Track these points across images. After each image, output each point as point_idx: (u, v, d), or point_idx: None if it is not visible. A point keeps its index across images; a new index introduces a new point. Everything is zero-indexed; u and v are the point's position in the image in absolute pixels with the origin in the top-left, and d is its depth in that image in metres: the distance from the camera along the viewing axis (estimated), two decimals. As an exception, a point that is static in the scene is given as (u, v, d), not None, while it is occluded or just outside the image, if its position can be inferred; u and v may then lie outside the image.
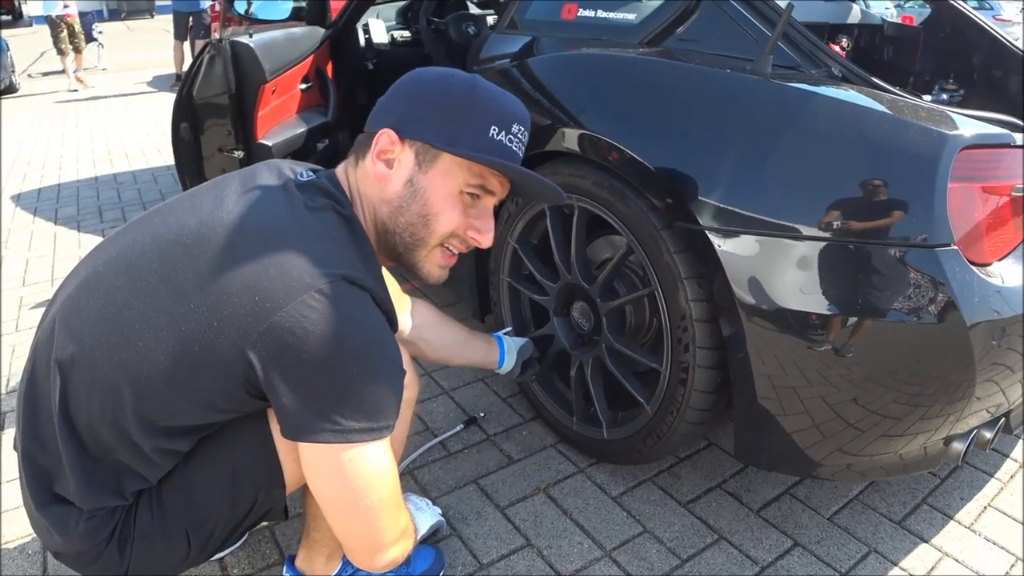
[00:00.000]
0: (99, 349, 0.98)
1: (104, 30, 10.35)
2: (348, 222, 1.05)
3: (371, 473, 0.97)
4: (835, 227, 1.24)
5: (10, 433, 1.97)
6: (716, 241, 1.33)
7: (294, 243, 0.96)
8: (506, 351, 1.75)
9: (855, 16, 2.59)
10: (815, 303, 1.26)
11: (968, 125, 1.29)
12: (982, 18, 2.53)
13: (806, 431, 1.37)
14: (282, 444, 1.06)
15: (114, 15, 17.75)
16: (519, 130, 1.08)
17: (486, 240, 1.12)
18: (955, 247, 1.19)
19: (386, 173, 1.07)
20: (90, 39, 9.37)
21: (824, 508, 1.69)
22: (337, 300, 0.92)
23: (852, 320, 1.24)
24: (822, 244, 1.25)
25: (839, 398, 1.30)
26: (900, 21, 2.96)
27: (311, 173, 1.11)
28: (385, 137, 1.06)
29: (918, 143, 1.22)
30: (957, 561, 1.55)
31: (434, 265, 1.14)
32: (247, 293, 0.92)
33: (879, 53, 2.75)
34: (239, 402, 0.99)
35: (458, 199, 1.08)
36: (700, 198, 1.35)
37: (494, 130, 1.05)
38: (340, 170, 1.14)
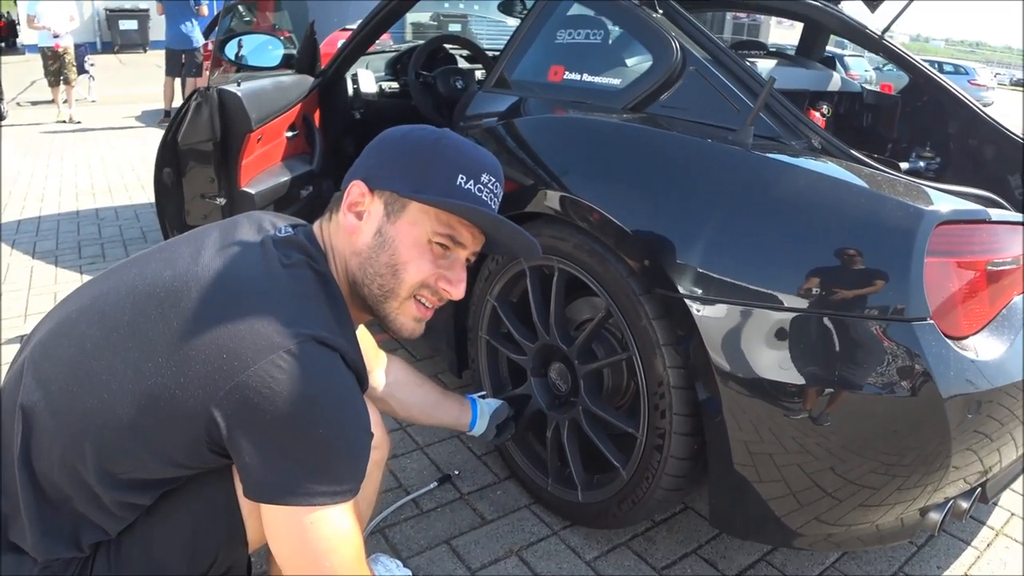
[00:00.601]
0: (64, 397, 0.97)
1: (96, 62, 10.35)
2: (322, 279, 1.04)
3: (332, 536, 0.95)
4: (812, 298, 1.25)
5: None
6: (694, 308, 1.33)
7: (265, 301, 0.95)
8: (478, 414, 1.74)
9: (835, 84, 2.65)
10: (792, 373, 1.26)
11: (944, 200, 1.31)
12: (958, 88, 2.59)
13: (783, 499, 1.36)
14: (244, 503, 1.04)
15: (107, 48, 17.79)
16: (489, 180, 1.08)
17: (457, 292, 1.11)
18: (931, 321, 1.20)
19: (356, 225, 1.07)
20: (82, 71, 9.38)
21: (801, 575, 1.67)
22: (305, 361, 0.92)
23: (828, 390, 1.24)
24: (800, 315, 1.25)
25: (816, 466, 1.30)
26: (879, 88, 3.03)
27: (290, 228, 1.11)
28: (356, 189, 1.07)
29: (896, 218, 1.24)
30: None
31: (408, 318, 1.13)
32: (215, 351, 0.91)
33: (858, 120, 2.81)
34: (202, 459, 0.97)
35: (427, 248, 1.08)
36: (679, 264, 1.35)
37: (462, 178, 1.05)
38: (317, 226, 1.14)
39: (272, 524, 0.96)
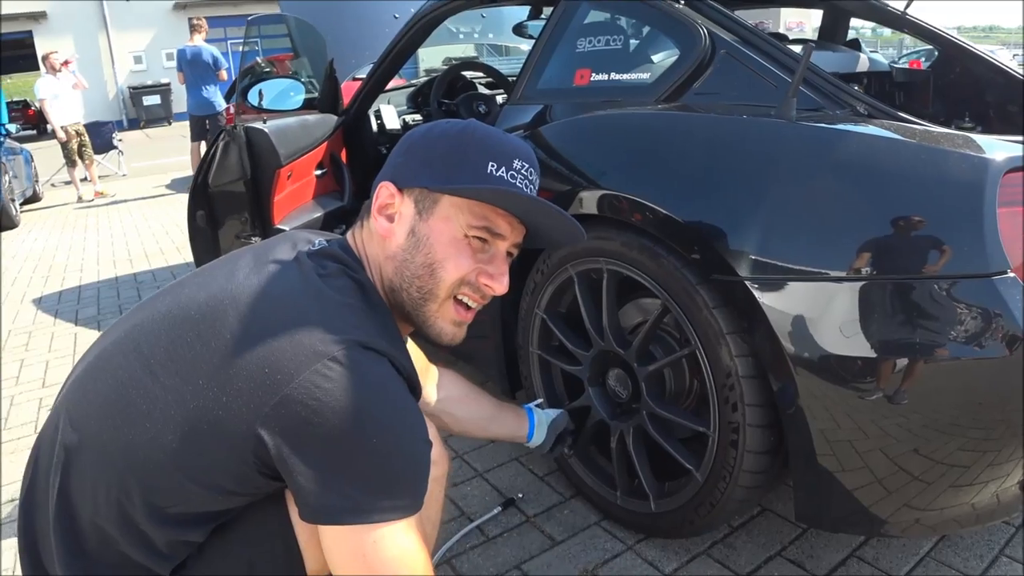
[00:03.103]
0: (105, 432, 0.93)
1: (124, 138, 10.66)
2: (361, 287, 1.01)
3: (398, 556, 0.89)
4: (882, 265, 1.19)
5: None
6: (757, 291, 1.27)
7: (305, 312, 0.92)
8: (536, 424, 1.68)
9: (863, 64, 2.59)
10: (868, 347, 1.19)
11: (1002, 149, 1.24)
12: (990, 55, 2.52)
13: (868, 487, 1.28)
14: (302, 529, 0.99)
15: (133, 124, 18.33)
16: (522, 166, 1.03)
17: (499, 286, 1.06)
18: (1012, 274, 1.12)
19: (388, 228, 1.04)
20: (110, 147, 9.65)
21: (896, 569, 1.57)
22: (353, 367, 0.87)
23: (909, 362, 1.17)
24: (869, 284, 1.19)
25: (899, 450, 1.22)
26: (908, 66, 2.96)
27: (324, 241, 1.08)
28: (384, 190, 1.04)
29: (960, 171, 1.18)
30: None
31: (447, 322, 1.07)
32: (257, 367, 0.87)
33: (890, 99, 2.73)
34: (253, 484, 0.93)
35: (464, 244, 1.03)
36: (736, 246, 1.30)
37: (492, 166, 1.00)
38: (350, 235, 1.11)
39: (331, 548, 0.91)
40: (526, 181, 1.04)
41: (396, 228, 1.04)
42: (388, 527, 0.89)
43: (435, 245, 1.02)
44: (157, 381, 0.92)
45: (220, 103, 8.03)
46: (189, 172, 8.61)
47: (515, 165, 1.02)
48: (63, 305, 4.19)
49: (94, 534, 0.95)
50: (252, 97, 2.64)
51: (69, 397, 1.01)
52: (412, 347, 1.40)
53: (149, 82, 18.75)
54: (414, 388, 0.99)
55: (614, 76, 1.81)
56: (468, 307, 1.08)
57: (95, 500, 0.94)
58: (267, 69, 3.63)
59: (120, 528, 0.94)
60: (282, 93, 2.84)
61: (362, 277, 1.02)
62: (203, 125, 8.02)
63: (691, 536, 1.67)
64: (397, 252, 1.04)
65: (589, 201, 1.58)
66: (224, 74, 8.01)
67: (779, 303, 1.26)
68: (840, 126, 1.35)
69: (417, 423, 0.94)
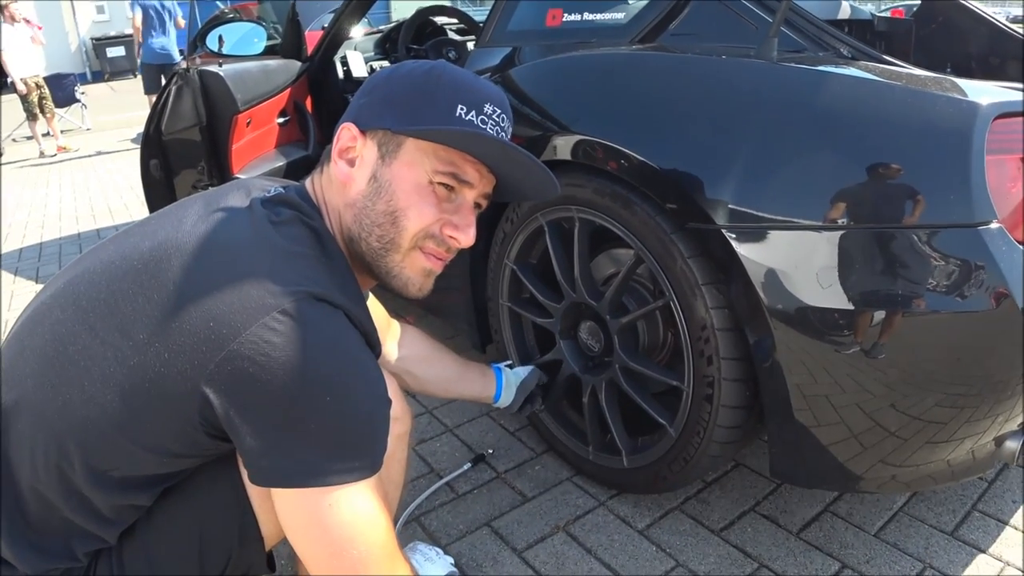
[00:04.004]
0: (42, 391, 0.87)
1: (88, 91, 10.33)
2: (317, 235, 0.94)
3: (355, 520, 0.84)
4: (863, 213, 1.13)
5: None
6: (734, 240, 1.22)
7: (254, 261, 0.85)
8: (504, 385, 1.63)
9: (845, 12, 2.52)
10: (847, 299, 1.15)
11: (992, 93, 1.18)
12: (975, 5, 2.46)
13: (844, 443, 1.25)
14: (255, 491, 0.94)
15: (97, 77, 17.76)
16: (494, 111, 0.96)
17: (466, 238, 0.99)
18: (999, 225, 1.08)
19: (348, 172, 0.97)
20: (72, 100, 9.34)
21: (869, 524, 1.56)
22: (303, 319, 0.81)
23: (890, 315, 1.13)
24: (850, 233, 1.14)
25: (876, 405, 1.19)
26: (890, 15, 2.90)
27: (280, 188, 1.00)
28: (346, 132, 0.97)
29: (947, 116, 1.12)
30: (1021, 571, 1.42)
31: (416, 271, 1.00)
32: (201, 320, 0.81)
33: (871, 48, 2.68)
34: (200, 446, 0.87)
35: (429, 191, 0.96)
36: (713, 193, 1.24)
37: (461, 109, 0.94)
38: (309, 182, 1.04)
39: (286, 512, 0.85)
40: (497, 127, 0.97)
41: (356, 173, 0.97)
42: (344, 489, 0.83)
43: (397, 192, 0.95)
44: (96, 336, 0.85)
45: (177, 54, 7.70)
46: (155, 126, 8.35)
47: (486, 109, 0.95)
48: (23, 263, 4.06)
49: (35, 501, 0.89)
50: (211, 42, 2.51)
51: (6, 354, 0.94)
52: (373, 303, 1.33)
53: (112, 33, 18.09)
54: (372, 343, 0.93)
55: (587, 16, 1.72)
56: (435, 258, 1.02)
57: (33, 465, 0.88)
58: (231, 15, 3.48)
59: (61, 494, 0.88)
60: (244, 38, 2.71)
61: (318, 225, 0.96)
62: (158, 77, 7.66)
63: (664, 492, 1.64)
64: (357, 199, 0.97)
65: (563, 147, 1.51)
66: (181, 21, 7.64)
67: (757, 253, 1.21)
68: (823, 68, 1.29)
69: (374, 379, 0.88)
